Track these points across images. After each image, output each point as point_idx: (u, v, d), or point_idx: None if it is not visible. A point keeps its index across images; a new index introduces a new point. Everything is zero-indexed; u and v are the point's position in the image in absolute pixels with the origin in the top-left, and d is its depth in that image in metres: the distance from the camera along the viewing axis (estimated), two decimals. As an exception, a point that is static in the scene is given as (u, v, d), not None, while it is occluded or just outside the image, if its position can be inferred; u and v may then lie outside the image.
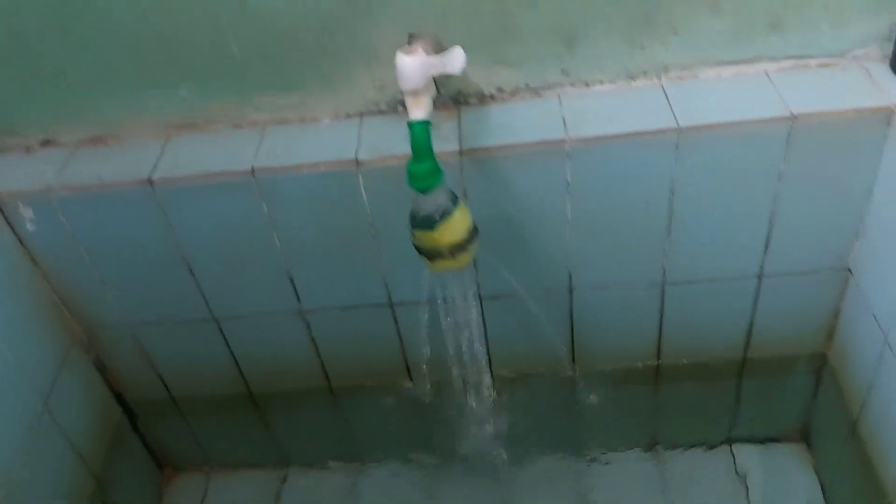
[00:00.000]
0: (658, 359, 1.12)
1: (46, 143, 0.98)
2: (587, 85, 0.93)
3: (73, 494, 1.04)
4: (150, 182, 0.90)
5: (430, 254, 0.83)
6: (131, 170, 0.92)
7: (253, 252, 0.97)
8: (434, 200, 0.80)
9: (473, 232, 0.83)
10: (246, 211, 0.93)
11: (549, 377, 1.14)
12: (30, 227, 0.94)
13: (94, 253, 0.97)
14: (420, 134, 0.77)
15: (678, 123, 0.85)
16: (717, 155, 0.87)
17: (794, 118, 0.83)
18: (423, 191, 0.78)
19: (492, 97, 0.94)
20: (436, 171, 0.78)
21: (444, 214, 0.80)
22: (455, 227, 0.81)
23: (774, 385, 1.13)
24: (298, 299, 1.04)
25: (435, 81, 0.84)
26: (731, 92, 0.88)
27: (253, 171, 0.89)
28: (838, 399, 1.02)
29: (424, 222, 0.80)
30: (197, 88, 0.93)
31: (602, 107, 0.90)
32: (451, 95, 0.94)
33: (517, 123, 0.90)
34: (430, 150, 0.77)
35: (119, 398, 1.18)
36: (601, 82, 0.93)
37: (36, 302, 1.00)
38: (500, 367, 1.13)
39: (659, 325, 1.07)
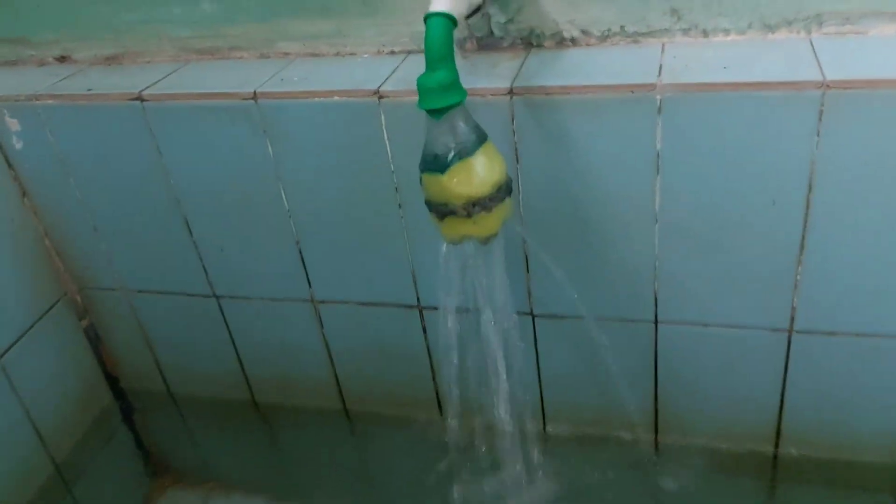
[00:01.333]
0: (776, 445, 0.80)
1: (62, 58, 0.87)
2: (705, 34, 0.69)
3: (19, 474, 0.87)
4: (140, 98, 0.75)
5: (439, 209, 0.60)
6: (127, 85, 0.77)
7: (257, 207, 0.79)
8: (449, 131, 0.57)
9: (503, 189, 0.60)
10: (247, 148, 0.75)
11: (618, 445, 0.86)
12: (17, 143, 0.82)
13: (85, 186, 0.83)
14: (436, 30, 0.56)
15: (824, 76, 0.58)
16: (883, 132, 0.59)
17: None
18: (435, 113, 0.56)
19: (573, 41, 0.72)
20: (453, 86, 0.56)
21: (461, 153, 0.58)
22: (475, 173, 0.58)
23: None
24: (309, 282, 0.83)
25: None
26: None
27: (255, 95, 0.71)
28: None
29: (434, 162, 0.58)
30: (220, 4, 0.78)
31: (718, 56, 0.65)
32: (522, 35, 0.73)
33: (596, 66, 0.67)
34: (449, 55, 0.56)
35: (114, 384, 1.02)
36: (726, 32, 0.68)
37: (18, 237, 0.86)
38: (554, 419, 0.87)
39: (781, 394, 0.76)
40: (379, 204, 0.75)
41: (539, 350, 0.80)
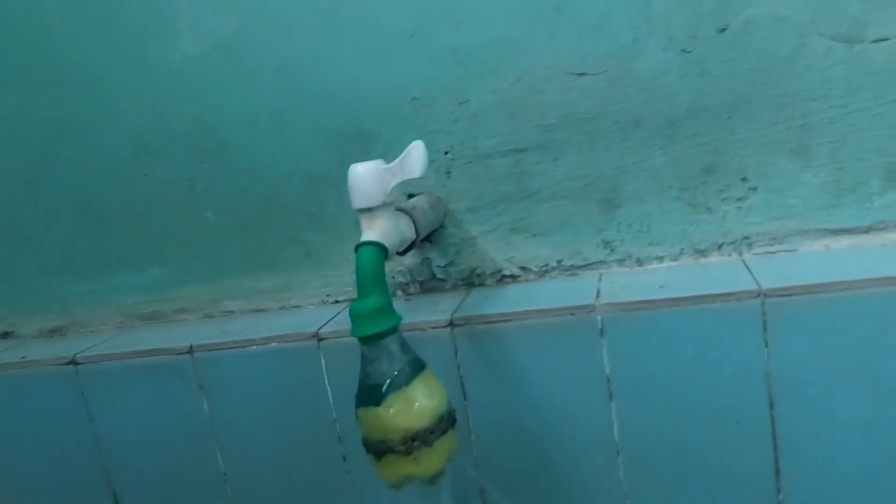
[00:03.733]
0: None
1: (5, 335, 0.86)
2: (640, 263, 0.70)
3: None
4: (73, 361, 0.72)
5: (377, 447, 0.55)
6: (62, 350, 0.75)
7: (192, 472, 0.73)
8: (384, 359, 0.55)
9: (445, 420, 0.56)
10: (182, 406, 0.71)
11: None
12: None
13: (11, 465, 0.77)
14: (366, 257, 0.56)
15: (760, 286, 0.58)
16: (829, 338, 0.58)
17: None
18: (369, 341, 0.54)
19: (513, 278, 0.72)
20: (385, 311, 0.55)
21: (398, 382, 0.54)
22: (413, 403, 0.54)
23: None
24: (248, 561, 0.74)
25: (427, 240, 0.64)
26: (846, 264, 0.62)
27: (191, 349, 0.69)
28: None
29: (369, 393, 0.55)
30: (168, 269, 0.80)
31: (655, 279, 0.65)
32: (463, 276, 0.74)
33: (536, 296, 0.67)
34: (381, 282, 0.55)
35: None
36: (659, 259, 0.70)
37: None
38: None
39: None
40: (321, 457, 0.69)
41: None
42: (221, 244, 0.78)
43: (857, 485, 0.60)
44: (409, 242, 0.64)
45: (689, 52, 0.65)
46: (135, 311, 0.82)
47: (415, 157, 0.56)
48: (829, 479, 0.60)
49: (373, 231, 0.57)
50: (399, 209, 0.63)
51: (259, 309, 0.78)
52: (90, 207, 0.80)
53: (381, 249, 0.57)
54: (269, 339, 0.68)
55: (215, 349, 0.69)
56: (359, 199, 0.58)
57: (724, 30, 0.64)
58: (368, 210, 0.58)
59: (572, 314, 0.62)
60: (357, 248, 0.57)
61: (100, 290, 0.82)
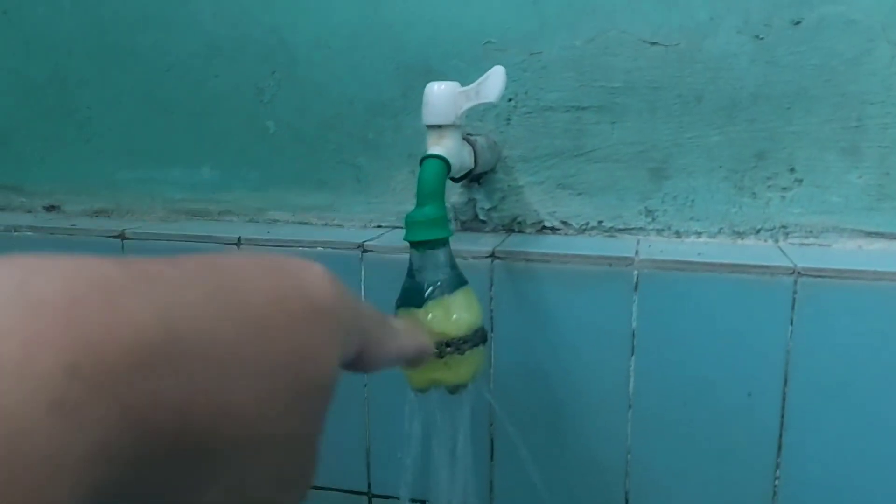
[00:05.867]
0: None
1: (51, 208, 0.88)
2: (678, 235, 0.72)
3: None
4: (122, 236, 0.75)
5: (411, 348, 0.57)
6: (111, 226, 0.77)
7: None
8: (431, 267, 0.57)
9: (478, 335, 0.58)
10: (217, 299, 0.73)
11: None
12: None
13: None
14: (430, 169, 0.58)
15: (795, 264, 0.61)
16: (852, 325, 0.60)
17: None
18: (420, 246, 0.57)
19: (553, 230, 0.75)
20: (440, 222, 0.57)
21: (441, 290, 0.57)
22: (452, 311, 0.57)
23: None
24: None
25: (476, 157, 0.67)
26: (877, 263, 0.64)
27: (239, 241, 0.72)
28: None
29: (412, 296, 0.57)
30: (220, 170, 0.82)
31: (692, 249, 0.68)
32: (504, 222, 0.76)
33: (574, 247, 0.69)
34: (440, 194, 0.58)
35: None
36: (697, 234, 0.72)
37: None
38: None
39: None
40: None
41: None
42: (276, 155, 0.80)
43: (855, 474, 0.62)
44: (466, 171, 0.66)
45: (761, 38, 0.67)
46: (181, 206, 0.84)
47: (493, 81, 0.59)
48: (828, 464, 0.63)
49: (440, 147, 0.60)
50: (464, 138, 0.65)
51: (303, 222, 0.81)
52: (155, 99, 0.82)
53: (444, 164, 0.59)
54: (315, 244, 0.70)
55: (262, 244, 0.71)
56: (431, 116, 0.61)
57: (799, 23, 0.66)
58: (438, 127, 0.61)
59: (610, 265, 0.64)
60: (423, 159, 0.59)
61: (150, 180, 0.84)
